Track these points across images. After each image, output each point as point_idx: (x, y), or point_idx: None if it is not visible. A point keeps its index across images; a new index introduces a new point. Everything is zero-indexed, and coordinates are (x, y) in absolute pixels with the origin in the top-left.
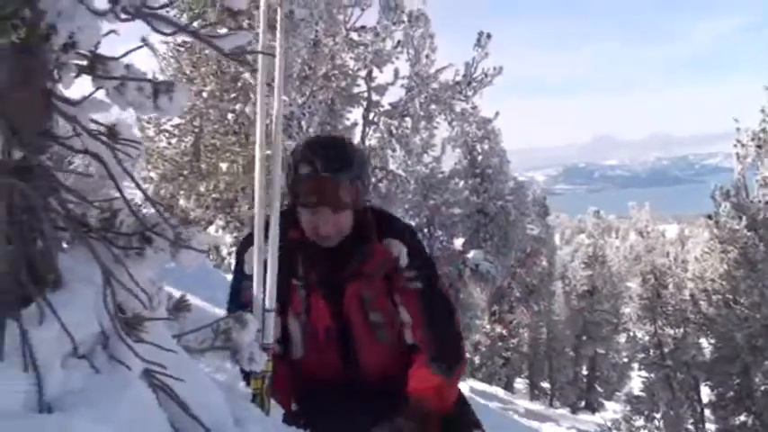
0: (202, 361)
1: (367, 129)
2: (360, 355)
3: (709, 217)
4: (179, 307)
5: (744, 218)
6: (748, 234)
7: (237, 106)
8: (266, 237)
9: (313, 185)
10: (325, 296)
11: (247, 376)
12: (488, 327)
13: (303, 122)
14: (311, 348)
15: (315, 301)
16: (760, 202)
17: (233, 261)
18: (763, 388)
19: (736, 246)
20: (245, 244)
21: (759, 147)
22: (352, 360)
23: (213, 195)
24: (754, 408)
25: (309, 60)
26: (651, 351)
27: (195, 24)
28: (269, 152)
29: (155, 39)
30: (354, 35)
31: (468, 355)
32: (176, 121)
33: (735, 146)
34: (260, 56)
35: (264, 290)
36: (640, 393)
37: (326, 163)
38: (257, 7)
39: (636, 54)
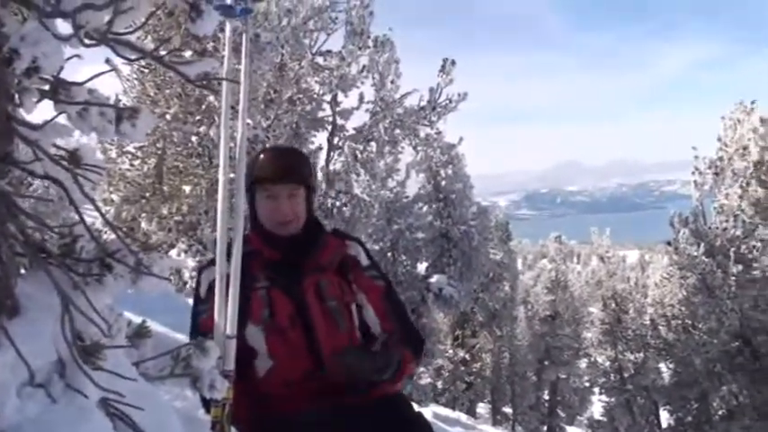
0: (162, 389)
1: (332, 153)
2: (322, 341)
3: (669, 243)
4: (139, 333)
5: (702, 244)
6: (706, 260)
7: (202, 129)
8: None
9: (273, 162)
10: (285, 288)
11: (207, 404)
12: (451, 351)
13: (268, 146)
14: (277, 348)
15: (276, 295)
16: (717, 228)
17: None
18: (720, 413)
19: (694, 272)
20: (203, 267)
21: (716, 174)
22: (316, 348)
23: (176, 218)
24: None
25: (275, 84)
26: (612, 376)
27: (161, 50)
28: (232, 175)
29: (119, 60)
30: (320, 59)
31: (430, 379)
32: (139, 143)
33: (693, 173)
34: (224, 81)
35: (226, 316)
36: (601, 418)
37: (284, 150)
38: (222, 30)
39: (598, 84)
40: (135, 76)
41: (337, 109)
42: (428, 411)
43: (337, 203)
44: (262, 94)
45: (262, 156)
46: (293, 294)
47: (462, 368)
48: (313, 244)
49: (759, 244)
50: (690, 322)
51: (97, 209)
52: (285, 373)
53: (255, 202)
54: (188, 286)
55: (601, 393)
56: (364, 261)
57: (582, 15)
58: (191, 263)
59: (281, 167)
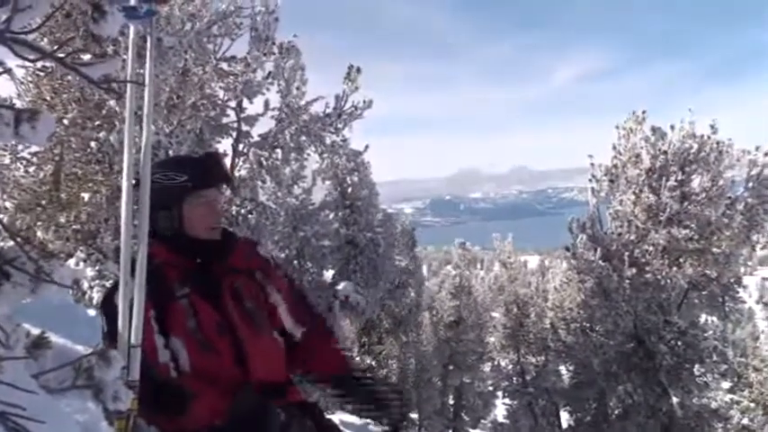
0: (63, 401)
1: (236, 159)
2: (247, 344)
3: (567, 248)
4: (38, 344)
5: (598, 249)
6: (603, 264)
7: (102, 134)
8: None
9: (212, 168)
10: (205, 294)
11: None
12: (358, 359)
13: (171, 152)
14: (203, 362)
15: (198, 303)
16: (613, 234)
17: (95, 295)
18: (617, 412)
19: (591, 276)
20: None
21: (612, 181)
22: (243, 353)
23: (74, 226)
24: (610, 431)
25: (177, 89)
26: (514, 379)
27: (61, 52)
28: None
29: (12, 62)
30: (224, 65)
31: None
32: (35, 148)
33: (590, 180)
34: (128, 85)
35: (130, 324)
36: (504, 420)
37: (215, 155)
38: (123, 33)
39: (498, 93)
40: (30, 79)
41: (242, 115)
42: (335, 419)
43: (242, 211)
44: (164, 99)
45: (187, 164)
46: (213, 299)
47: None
48: (226, 248)
49: (651, 248)
50: (588, 325)
51: None
52: (211, 397)
53: (183, 210)
54: (87, 296)
55: (504, 396)
56: (272, 262)
57: (482, 25)
58: (90, 272)
59: (220, 173)
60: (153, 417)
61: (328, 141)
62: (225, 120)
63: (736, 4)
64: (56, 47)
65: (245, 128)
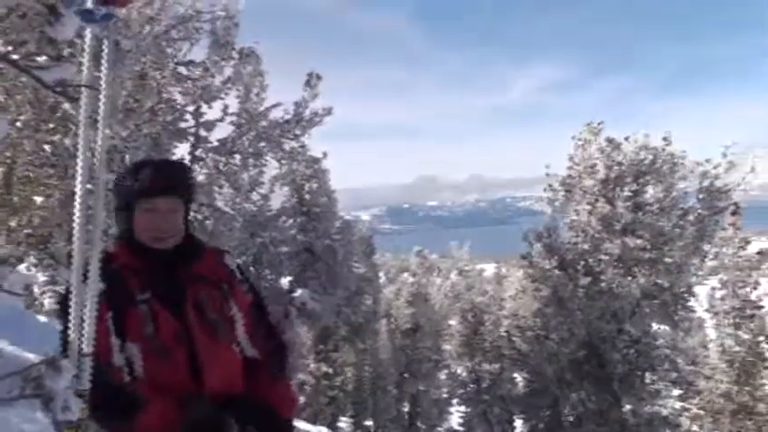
0: (12, 411)
1: (194, 165)
2: (203, 355)
3: (524, 257)
4: None
5: (554, 258)
6: (558, 273)
7: (56, 137)
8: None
9: (154, 176)
10: (166, 301)
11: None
12: (314, 366)
13: (127, 156)
14: (157, 370)
15: (158, 310)
16: (568, 243)
17: (46, 301)
18: (570, 419)
19: (547, 284)
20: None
21: (568, 191)
22: (199, 363)
23: (26, 231)
24: None
25: (135, 93)
26: (469, 386)
27: (14, 54)
28: (90, 186)
29: None
30: (183, 69)
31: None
32: None
33: (546, 190)
34: (83, 89)
35: (81, 332)
36: (459, 428)
37: (166, 163)
38: (79, 36)
39: (457, 101)
40: None
41: (200, 120)
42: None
43: (199, 216)
44: (121, 103)
45: (142, 168)
46: (175, 307)
47: (325, 383)
48: (191, 256)
49: (606, 258)
50: (543, 333)
51: None
52: (162, 405)
53: (134, 216)
54: (37, 303)
55: (459, 404)
56: (238, 274)
57: (441, 34)
58: (41, 278)
59: (163, 181)
60: (105, 422)
61: (287, 148)
62: (183, 124)
63: (689, 20)
64: (9, 48)
65: (203, 133)
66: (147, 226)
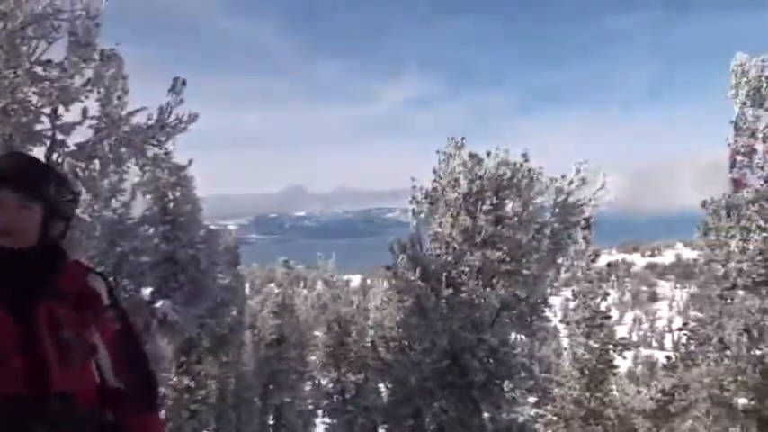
0: None
1: None
2: (54, 377)
3: (388, 268)
4: None
5: (417, 269)
6: (421, 284)
7: None
8: None
9: None
10: (11, 308)
11: None
12: (175, 379)
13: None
14: None
15: None
16: (432, 254)
17: None
18: (432, 427)
19: (410, 295)
20: None
21: (431, 204)
22: (43, 381)
23: None
24: None
25: None
26: (334, 397)
27: None
28: None
29: None
30: (39, 69)
31: None
32: None
33: (411, 203)
34: None
35: None
36: None
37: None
38: None
39: (325, 112)
40: None
41: (57, 123)
42: None
43: None
44: None
45: None
46: (21, 316)
47: (186, 396)
48: (50, 267)
49: (467, 269)
50: (406, 343)
51: None
52: None
53: None
54: None
55: (324, 415)
56: (105, 299)
57: (309, 45)
58: None
59: (7, 169)
60: None
61: (150, 154)
62: (38, 127)
63: (547, 40)
64: None
65: (60, 136)
66: None
